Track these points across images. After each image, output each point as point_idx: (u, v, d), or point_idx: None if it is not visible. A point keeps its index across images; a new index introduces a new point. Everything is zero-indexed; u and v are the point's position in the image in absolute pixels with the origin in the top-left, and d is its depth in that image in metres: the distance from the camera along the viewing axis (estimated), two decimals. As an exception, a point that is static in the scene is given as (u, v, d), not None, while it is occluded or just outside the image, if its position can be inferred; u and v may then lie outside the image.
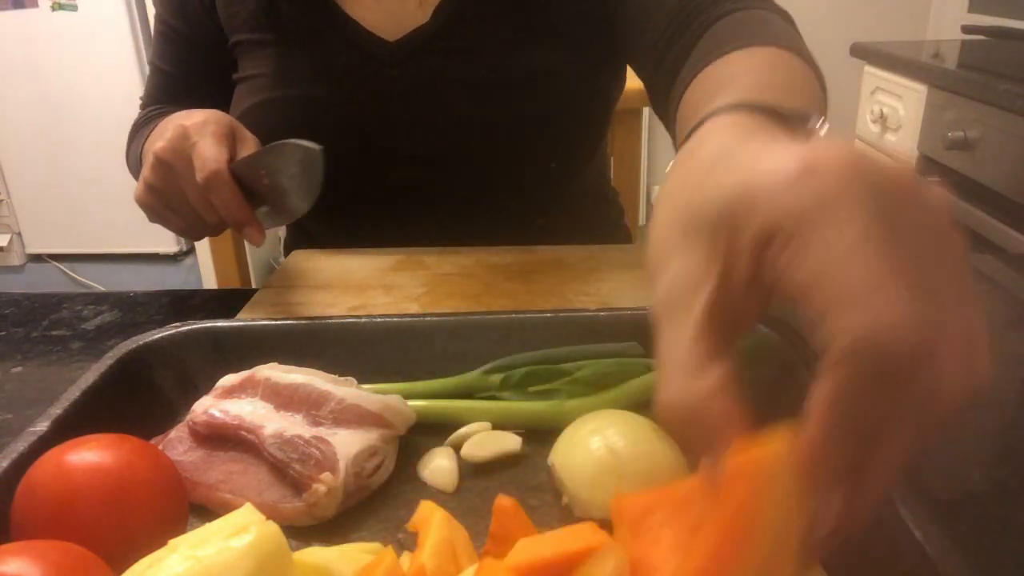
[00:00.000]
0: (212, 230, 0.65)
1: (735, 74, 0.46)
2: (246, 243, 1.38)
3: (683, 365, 0.27)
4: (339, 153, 0.68)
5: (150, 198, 0.63)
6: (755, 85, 0.44)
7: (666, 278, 0.28)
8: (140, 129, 0.82)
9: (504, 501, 0.35)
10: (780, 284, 0.25)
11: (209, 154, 0.59)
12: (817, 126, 0.35)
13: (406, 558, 0.35)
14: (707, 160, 0.30)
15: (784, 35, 0.53)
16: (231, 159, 0.61)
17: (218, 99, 0.79)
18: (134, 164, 0.80)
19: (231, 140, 0.62)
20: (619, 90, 0.84)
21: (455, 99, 0.75)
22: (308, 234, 0.89)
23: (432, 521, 0.34)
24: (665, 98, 0.60)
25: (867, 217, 0.23)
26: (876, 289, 0.22)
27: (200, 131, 0.60)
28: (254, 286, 1.10)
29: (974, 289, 0.26)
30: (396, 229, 0.78)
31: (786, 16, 0.61)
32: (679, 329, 0.27)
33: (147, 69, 0.91)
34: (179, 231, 0.66)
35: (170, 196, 0.62)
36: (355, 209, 0.78)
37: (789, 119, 0.34)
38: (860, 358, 0.23)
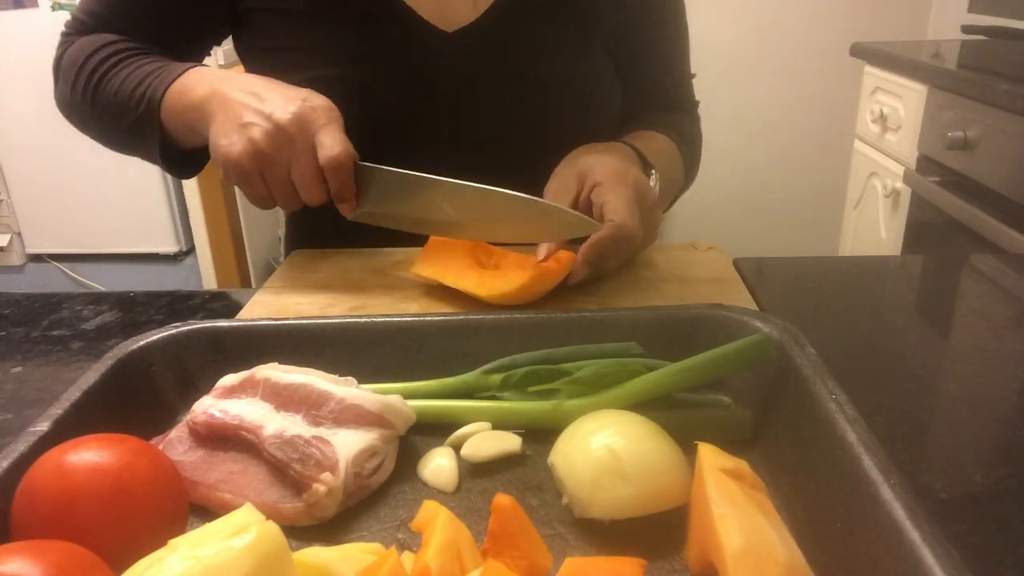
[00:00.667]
0: (295, 206, 0.67)
1: (648, 139, 0.81)
2: (246, 243, 1.38)
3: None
4: (386, 136, 0.75)
5: (252, 162, 0.63)
6: (649, 146, 0.79)
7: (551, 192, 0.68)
8: (114, 65, 0.75)
9: (504, 500, 0.35)
10: (596, 203, 0.65)
11: (339, 138, 0.64)
12: (653, 172, 0.75)
13: (407, 558, 0.35)
14: (597, 150, 0.72)
15: (687, 142, 0.87)
16: None
17: (181, 43, 0.79)
18: (118, 105, 0.73)
19: None
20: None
21: (500, 92, 0.78)
22: (311, 232, 0.89)
23: (436, 521, 0.34)
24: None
25: (630, 189, 0.65)
26: (625, 211, 0.63)
27: (329, 114, 0.64)
28: (254, 286, 1.10)
29: (658, 223, 0.69)
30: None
31: (696, 128, 0.94)
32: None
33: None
34: (259, 198, 0.67)
35: (274, 166, 0.64)
36: None
37: (646, 164, 0.75)
38: (614, 233, 0.62)
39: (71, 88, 0.78)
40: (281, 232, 2.71)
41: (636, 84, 0.87)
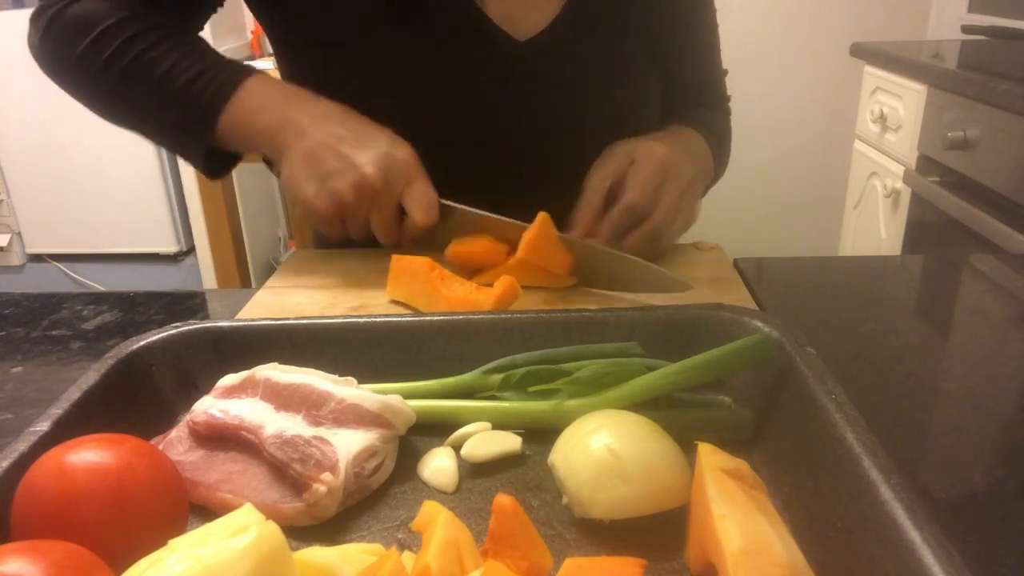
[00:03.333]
0: (365, 240, 0.69)
1: (685, 133, 0.83)
2: (246, 243, 1.38)
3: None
4: (459, 143, 0.75)
5: (337, 210, 0.66)
6: (679, 134, 0.81)
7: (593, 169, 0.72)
8: (150, 48, 0.70)
9: (504, 500, 0.35)
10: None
11: (430, 202, 0.67)
12: None
13: (407, 558, 0.35)
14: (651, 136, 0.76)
15: (717, 139, 0.87)
16: None
17: (192, 14, 0.77)
18: (153, 96, 0.70)
19: None
20: None
21: (576, 99, 0.78)
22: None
23: (437, 521, 0.34)
24: None
25: (656, 165, 0.70)
26: (639, 188, 0.69)
27: (417, 170, 0.67)
28: (254, 286, 1.10)
29: (687, 206, 0.73)
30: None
31: (727, 125, 0.95)
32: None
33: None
34: (336, 234, 0.69)
35: (355, 214, 0.67)
36: (461, 199, 0.75)
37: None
38: (623, 209, 0.69)
39: (80, 52, 0.71)
40: (281, 232, 2.72)
41: (674, 81, 0.87)
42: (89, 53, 0.71)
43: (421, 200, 0.66)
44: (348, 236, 0.69)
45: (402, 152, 0.66)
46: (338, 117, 0.68)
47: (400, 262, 0.64)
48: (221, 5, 0.80)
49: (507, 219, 0.67)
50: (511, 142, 0.77)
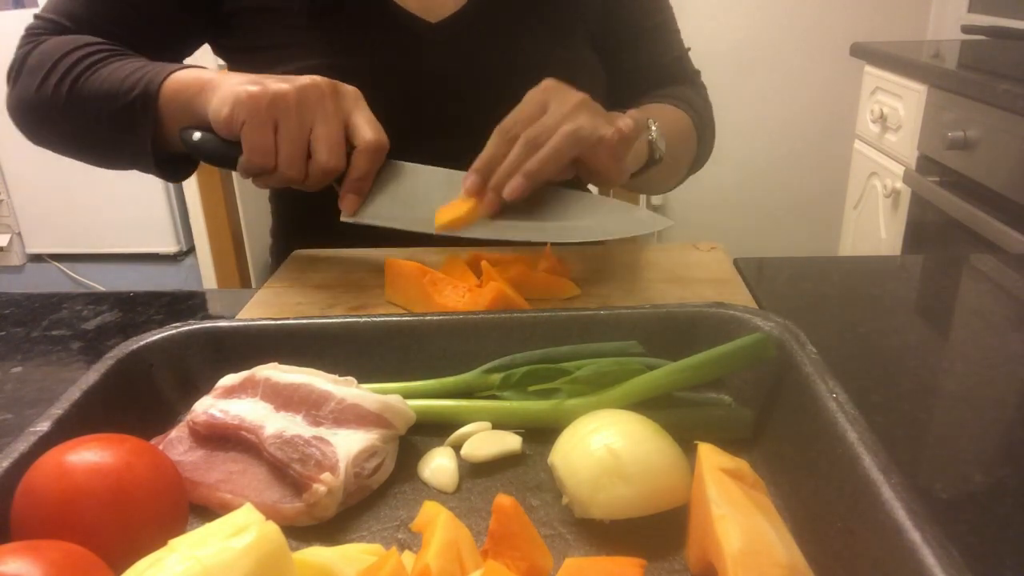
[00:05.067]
0: (291, 173, 0.62)
1: (648, 106, 0.84)
2: (246, 243, 1.38)
3: None
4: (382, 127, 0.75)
5: (270, 104, 0.60)
6: (650, 111, 0.80)
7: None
8: (111, 60, 0.72)
9: (504, 500, 0.35)
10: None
11: (379, 126, 0.64)
12: (652, 123, 0.74)
13: (407, 558, 0.35)
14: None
15: (694, 107, 0.88)
16: None
17: (158, 47, 0.77)
18: (104, 92, 0.70)
19: None
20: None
21: (487, 79, 0.80)
22: (300, 224, 0.92)
23: (437, 522, 0.34)
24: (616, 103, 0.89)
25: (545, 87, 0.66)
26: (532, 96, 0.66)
27: (362, 100, 0.65)
28: (254, 286, 1.10)
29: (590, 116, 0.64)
30: None
31: (704, 97, 0.95)
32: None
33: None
34: (260, 149, 0.61)
35: (294, 117, 0.60)
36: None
37: (644, 119, 0.72)
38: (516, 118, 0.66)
39: (39, 84, 0.73)
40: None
41: (634, 68, 0.90)
42: (49, 80, 0.73)
43: (372, 120, 0.64)
44: (272, 160, 0.62)
45: (349, 86, 0.65)
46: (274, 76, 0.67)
47: (393, 266, 0.64)
48: (189, 55, 0.83)
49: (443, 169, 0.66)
50: (443, 125, 0.79)
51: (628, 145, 0.66)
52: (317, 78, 0.63)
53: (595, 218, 0.65)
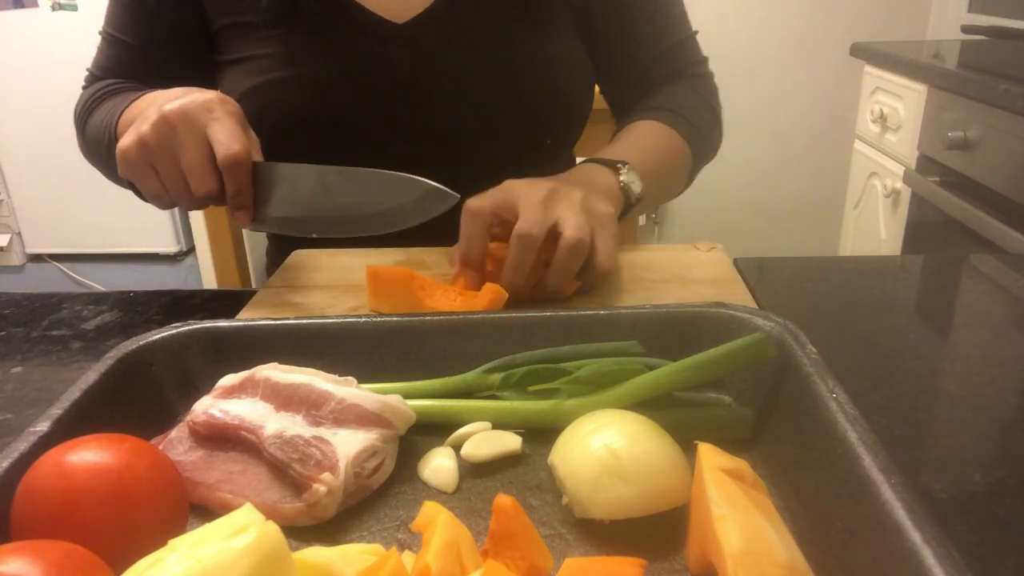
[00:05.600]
0: (190, 203, 0.65)
1: (629, 133, 0.83)
2: (246, 243, 1.38)
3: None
4: (345, 130, 0.77)
5: (138, 153, 0.62)
6: (629, 144, 0.80)
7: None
8: (105, 100, 0.80)
9: (504, 500, 0.35)
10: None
11: (235, 134, 0.61)
12: (622, 167, 0.73)
13: (407, 558, 0.35)
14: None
15: (687, 116, 0.84)
16: None
17: (182, 78, 0.78)
18: (96, 138, 0.78)
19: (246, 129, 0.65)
20: (594, 79, 0.91)
21: (459, 80, 0.79)
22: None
23: (437, 522, 0.34)
24: (616, 99, 0.94)
25: (540, 189, 0.62)
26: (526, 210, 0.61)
27: (224, 108, 0.62)
28: (254, 286, 1.10)
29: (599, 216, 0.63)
30: None
31: (707, 91, 0.91)
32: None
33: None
34: (152, 192, 0.65)
35: (161, 157, 0.62)
36: None
37: (614, 163, 0.73)
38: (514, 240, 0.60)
39: (79, 134, 0.84)
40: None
41: (629, 62, 0.87)
42: (78, 129, 0.85)
43: (226, 130, 0.61)
44: (166, 196, 0.65)
45: (208, 94, 0.63)
46: (176, 90, 0.67)
47: (377, 273, 0.62)
48: (208, 77, 0.84)
49: (323, 166, 0.63)
50: (416, 129, 0.79)
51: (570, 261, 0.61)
52: (172, 104, 0.62)
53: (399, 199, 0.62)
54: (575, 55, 0.84)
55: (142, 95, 0.73)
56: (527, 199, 0.61)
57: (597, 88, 0.91)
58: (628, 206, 0.73)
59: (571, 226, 0.60)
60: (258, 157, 0.66)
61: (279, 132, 0.76)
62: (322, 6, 0.77)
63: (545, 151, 0.87)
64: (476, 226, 0.62)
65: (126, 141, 0.63)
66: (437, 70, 0.78)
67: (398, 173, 0.61)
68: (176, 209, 2.42)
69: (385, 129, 0.79)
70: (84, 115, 0.83)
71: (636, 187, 0.73)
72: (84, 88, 0.86)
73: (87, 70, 0.87)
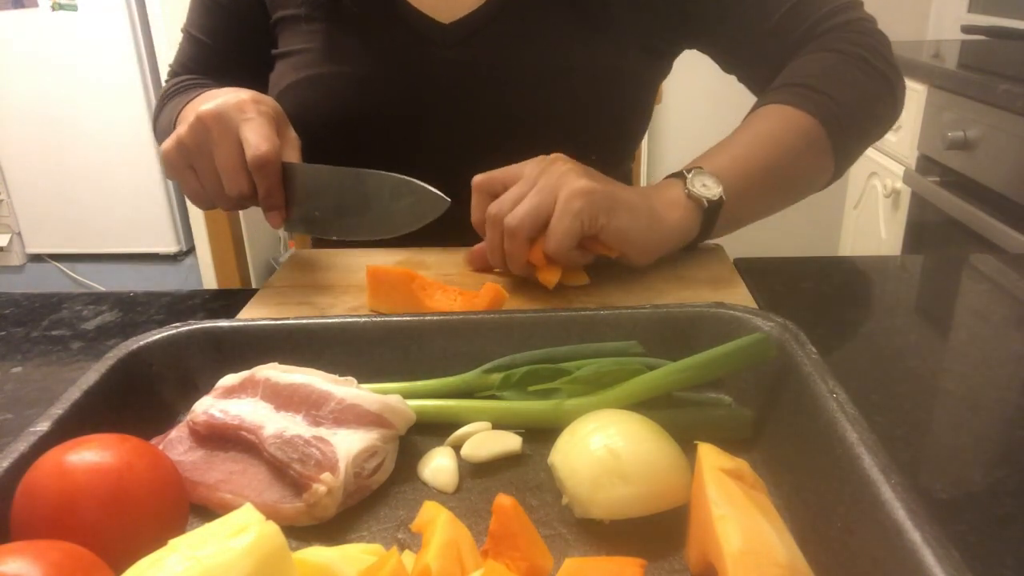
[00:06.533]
0: (227, 202, 0.66)
1: (731, 137, 0.72)
2: (246, 243, 1.38)
3: None
4: (383, 130, 0.77)
5: (177, 154, 0.65)
6: (716, 146, 0.71)
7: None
8: (174, 96, 0.82)
9: (504, 500, 0.35)
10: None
11: (265, 134, 0.62)
12: (687, 174, 0.66)
13: (407, 557, 0.35)
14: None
15: (804, 86, 0.71)
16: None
17: (252, 74, 0.81)
18: (165, 130, 0.80)
19: (279, 127, 0.66)
20: (659, 81, 0.86)
21: (505, 84, 0.76)
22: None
23: (437, 522, 0.34)
24: (753, 81, 0.83)
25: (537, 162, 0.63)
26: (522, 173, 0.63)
27: (256, 108, 0.63)
28: (254, 286, 1.10)
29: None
30: None
31: (850, 52, 0.74)
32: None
33: (147, 69, 0.93)
34: (193, 194, 0.67)
35: (198, 157, 0.64)
36: None
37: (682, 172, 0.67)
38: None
39: (153, 130, 0.88)
40: (281, 232, 2.71)
41: (745, 43, 0.78)
42: (155, 115, 0.88)
43: (256, 130, 0.62)
44: (205, 196, 0.67)
45: (243, 95, 0.64)
46: (220, 90, 0.68)
47: (377, 273, 0.62)
48: (269, 68, 0.84)
49: (359, 169, 0.63)
50: (456, 136, 0.78)
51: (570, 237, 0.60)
52: (208, 105, 0.63)
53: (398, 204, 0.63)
54: (632, 66, 0.79)
55: (201, 93, 0.74)
56: (521, 178, 0.63)
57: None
58: (711, 214, 0.66)
59: (515, 214, 0.61)
60: (295, 156, 0.66)
61: (319, 129, 0.76)
62: (367, 4, 0.76)
63: (591, 165, 0.80)
64: (477, 197, 0.65)
65: (167, 144, 0.65)
66: (482, 73, 0.76)
67: (400, 176, 0.62)
68: (176, 209, 2.44)
69: (425, 131, 0.78)
70: (158, 111, 0.85)
71: (711, 191, 0.65)
72: (165, 83, 0.88)
73: (169, 65, 0.89)
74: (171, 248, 2.48)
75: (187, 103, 0.74)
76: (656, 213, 0.65)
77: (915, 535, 0.30)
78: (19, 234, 2.54)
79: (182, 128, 0.64)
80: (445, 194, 0.62)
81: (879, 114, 0.75)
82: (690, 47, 0.84)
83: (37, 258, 2.59)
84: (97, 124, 2.31)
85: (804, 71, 0.72)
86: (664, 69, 0.86)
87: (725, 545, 0.32)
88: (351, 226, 0.66)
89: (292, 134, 0.67)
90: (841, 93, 0.71)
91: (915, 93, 1.65)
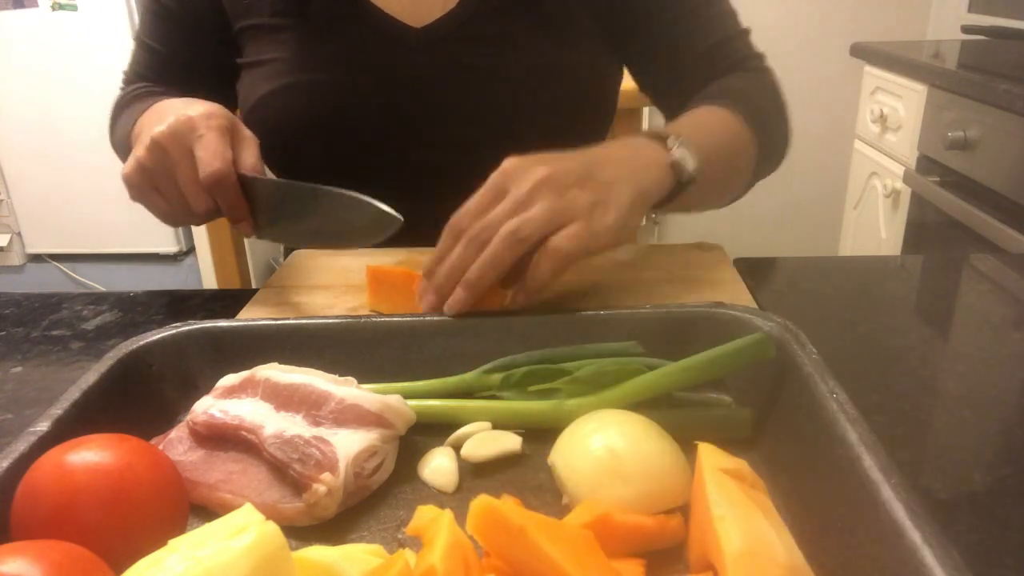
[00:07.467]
0: (196, 219, 0.66)
1: (684, 116, 0.72)
2: (246, 243, 1.38)
3: None
4: (359, 137, 0.76)
5: (139, 177, 0.64)
6: (684, 120, 0.71)
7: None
8: (128, 106, 0.81)
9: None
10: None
11: (215, 151, 0.61)
12: (673, 140, 0.62)
13: (408, 557, 0.35)
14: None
15: (745, 101, 0.75)
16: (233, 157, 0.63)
17: (208, 82, 0.80)
18: (121, 141, 0.80)
19: (232, 137, 0.64)
20: (620, 82, 0.88)
21: (477, 86, 0.77)
22: None
23: (442, 522, 0.34)
24: (666, 104, 0.86)
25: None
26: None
27: (206, 124, 0.62)
28: (254, 286, 1.10)
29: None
30: (411, 212, 0.77)
31: (765, 82, 0.84)
32: None
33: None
34: (161, 214, 0.66)
35: (160, 179, 0.63)
36: (373, 192, 0.76)
37: (663, 137, 0.63)
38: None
39: (110, 136, 0.86)
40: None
41: (673, 60, 0.81)
42: (111, 123, 0.86)
43: (206, 148, 0.61)
44: (172, 215, 0.66)
45: (196, 109, 0.63)
46: (173, 103, 0.67)
47: (377, 273, 0.62)
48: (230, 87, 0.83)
49: (310, 184, 0.61)
50: (430, 139, 0.77)
51: (579, 255, 0.54)
52: (160, 127, 0.62)
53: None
54: (597, 60, 0.81)
55: (154, 104, 0.73)
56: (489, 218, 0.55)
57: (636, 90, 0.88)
58: (679, 186, 0.63)
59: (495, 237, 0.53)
60: (253, 158, 0.64)
61: (298, 137, 0.76)
62: (339, 5, 0.76)
63: None
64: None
65: (128, 169, 0.64)
66: (455, 76, 0.77)
67: (352, 194, 0.60)
68: (176, 209, 2.44)
69: (400, 136, 0.78)
70: (113, 121, 0.85)
71: (689, 163, 0.62)
72: (120, 90, 0.87)
73: (123, 72, 0.88)
74: (171, 248, 2.48)
75: (141, 114, 0.73)
76: (638, 181, 0.59)
77: (915, 535, 0.30)
78: (19, 234, 2.54)
79: (139, 151, 0.63)
80: (427, 194, 0.62)
81: (782, 144, 0.83)
82: (626, 59, 0.85)
83: (37, 258, 2.59)
84: (97, 124, 2.31)
85: (735, 87, 0.78)
86: (618, 69, 0.87)
87: (725, 545, 0.32)
88: (314, 237, 0.66)
89: (247, 134, 0.66)
90: (762, 112, 0.77)
91: (915, 93, 1.65)
